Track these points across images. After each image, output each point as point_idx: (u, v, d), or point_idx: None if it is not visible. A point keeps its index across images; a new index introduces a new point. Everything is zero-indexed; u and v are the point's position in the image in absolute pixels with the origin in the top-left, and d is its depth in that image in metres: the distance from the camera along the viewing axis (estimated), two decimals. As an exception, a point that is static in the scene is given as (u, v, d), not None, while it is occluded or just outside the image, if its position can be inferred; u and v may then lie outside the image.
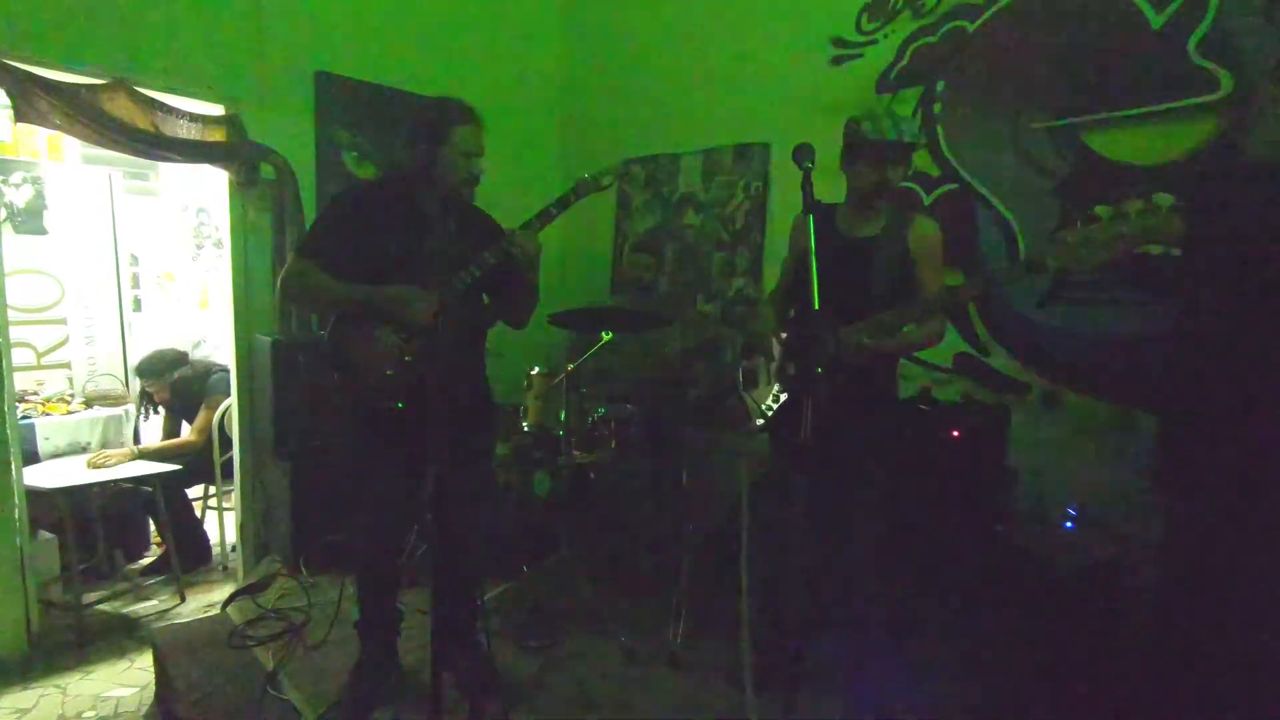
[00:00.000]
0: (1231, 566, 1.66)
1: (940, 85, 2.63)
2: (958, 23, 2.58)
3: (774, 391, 1.96)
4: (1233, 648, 1.64)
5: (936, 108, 2.64)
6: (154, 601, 3.16)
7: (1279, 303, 1.62)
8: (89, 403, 3.76)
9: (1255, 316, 1.66)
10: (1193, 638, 1.72)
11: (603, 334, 2.94)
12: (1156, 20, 2.14)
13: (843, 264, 1.86)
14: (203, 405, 3.40)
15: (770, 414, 1.96)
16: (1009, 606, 1.90)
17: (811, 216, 1.52)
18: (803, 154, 1.55)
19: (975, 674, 1.90)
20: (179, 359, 3.55)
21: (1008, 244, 2.48)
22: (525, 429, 2.99)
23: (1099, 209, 1.49)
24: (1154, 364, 2.11)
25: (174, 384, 3.49)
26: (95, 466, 3.06)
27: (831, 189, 1.96)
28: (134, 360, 4.29)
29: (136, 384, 3.74)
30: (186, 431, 3.45)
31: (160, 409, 3.60)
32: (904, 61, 2.72)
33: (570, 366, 2.85)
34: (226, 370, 3.53)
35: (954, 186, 2.61)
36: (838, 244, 1.93)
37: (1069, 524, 2.06)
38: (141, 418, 3.78)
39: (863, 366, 1.83)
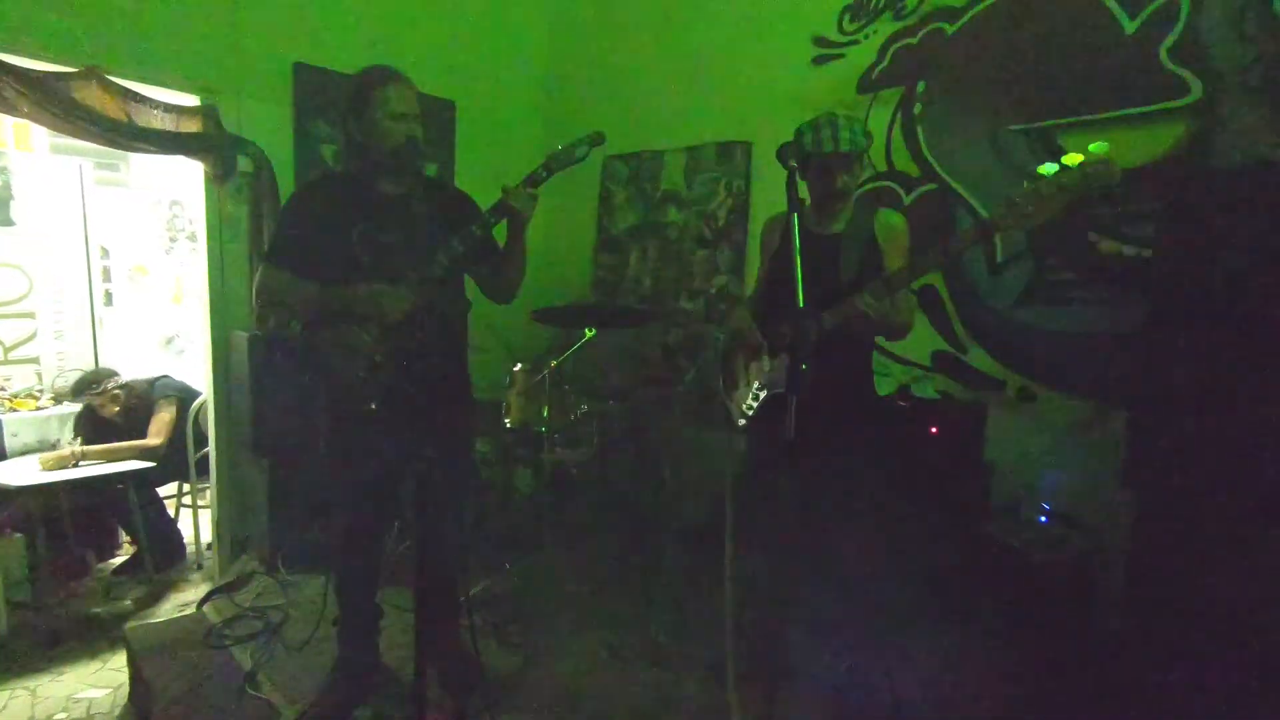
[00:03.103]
0: (1196, 556, 1.72)
1: (921, 86, 2.66)
2: (938, 25, 2.61)
3: (754, 390, 1.97)
4: (1199, 635, 1.69)
5: (917, 108, 2.68)
6: (126, 601, 3.09)
7: (1245, 303, 1.67)
8: (58, 399, 3.68)
9: (1222, 316, 1.71)
10: (1160, 625, 1.78)
11: (586, 330, 2.94)
12: (1130, 26, 2.19)
13: (812, 259, 1.88)
14: (155, 410, 3.29)
15: (751, 412, 1.98)
16: (986, 597, 1.94)
17: (795, 215, 1.54)
18: (787, 153, 1.57)
19: (953, 663, 1.94)
20: (110, 371, 3.41)
21: (985, 243, 2.52)
22: (508, 426, 2.98)
23: (1042, 168, 1.52)
24: (1124, 362, 2.16)
25: (115, 394, 3.28)
26: (46, 470, 2.98)
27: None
28: (104, 354, 4.21)
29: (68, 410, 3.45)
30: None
31: (104, 425, 3.29)
32: (885, 62, 2.76)
33: (553, 363, 2.84)
34: (168, 376, 3.50)
35: (933, 187, 2.65)
36: (806, 241, 1.95)
37: (1043, 518, 2.11)
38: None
39: (840, 362, 1.84)
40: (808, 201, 2.00)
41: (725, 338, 2.17)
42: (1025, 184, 1.56)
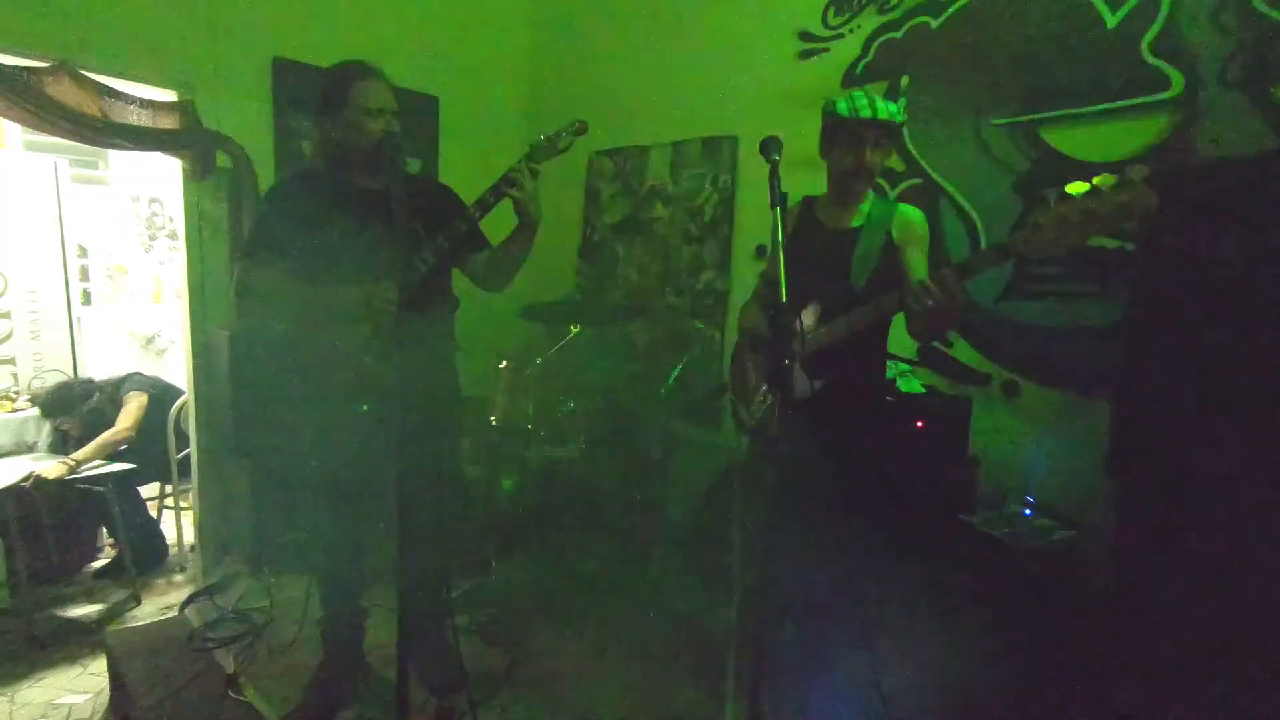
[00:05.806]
0: (1179, 546, 1.73)
1: (905, 80, 2.66)
2: (921, 19, 2.61)
3: (762, 391, 1.93)
4: (1182, 624, 1.71)
5: (901, 102, 2.67)
6: (107, 604, 3.05)
7: (1227, 295, 1.69)
8: (34, 400, 3.61)
9: (1204, 308, 1.72)
10: (1144, 616, 1.79)
11: (571, 327, 2.92)
12: (1111, 20, 2.20)
13: (824, 257, 1.80)
14: (124, 404, 3.25)
15: (760, 413, 1.93)
16: (971, 590, 1.95)
17: (779, 209, 1.52)
18: (770, 147, 1.55)
19: (938, 656, 1.94)
20: (86, 389, 3.36)
21: (970, 237, 2.53)
22: (493, 423, 2.96)
23: (1070, 187, 1.37)
24: (1107, 354, 2.17)
25: (85, 416, 3.27)
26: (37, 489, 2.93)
27: (799, 183, 1.94)
28: (82, 355, 4.14)
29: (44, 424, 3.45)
30: None
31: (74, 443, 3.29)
32: (869, 57, 2.75)
33: (539, 360, 2.83)
34: (138, 373, 3.47)
35: (918, 181, 2.65)
36: (819, 236, 1.85)
37: (1028, 510, 2.11)
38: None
39: (851, 364, 1.78)
40: (825, 190, 1.89)
41: (739, 336, 2.09)
42: (1051, 204, 1.40)
